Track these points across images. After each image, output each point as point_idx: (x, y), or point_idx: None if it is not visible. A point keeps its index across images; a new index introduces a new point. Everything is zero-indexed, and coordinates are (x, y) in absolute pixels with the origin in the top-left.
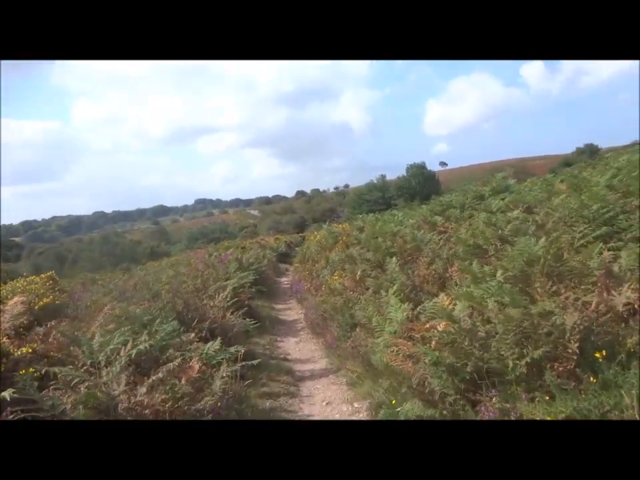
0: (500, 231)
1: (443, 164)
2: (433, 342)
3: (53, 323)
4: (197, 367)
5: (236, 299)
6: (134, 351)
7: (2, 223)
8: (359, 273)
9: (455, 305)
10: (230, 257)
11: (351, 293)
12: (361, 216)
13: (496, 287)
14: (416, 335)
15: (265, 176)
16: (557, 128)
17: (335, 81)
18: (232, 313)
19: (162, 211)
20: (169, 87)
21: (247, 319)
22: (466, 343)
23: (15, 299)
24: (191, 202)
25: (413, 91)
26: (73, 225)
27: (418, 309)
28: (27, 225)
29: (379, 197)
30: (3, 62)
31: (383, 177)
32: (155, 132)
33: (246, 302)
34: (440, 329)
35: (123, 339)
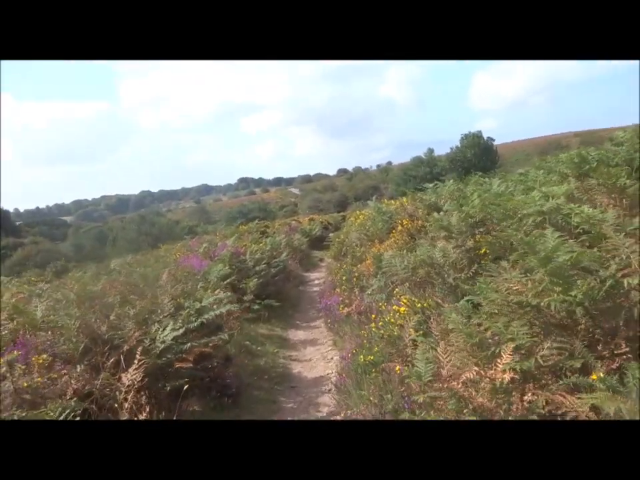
0: None
1: (490, 139)
2: None
3: None
4: None
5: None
6: None
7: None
8: (505, 359)
9: None
10: (224, 252)
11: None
12: (432, 185)
13: None
14: None
15: (307, 154)
16: (608, 99)
17: None
18: None
19: (205, 189)
20: (214, 65)
21: (212, 398)
22: None
23: None
24: (234, 181)
25: (458, 64)
26: (121, 204)
27: None
28: (78, 204)
29: (426, 173)
30: None
31: (431, 151)
32: (201, 111)
33: (211, 352)
34: None
35: None
